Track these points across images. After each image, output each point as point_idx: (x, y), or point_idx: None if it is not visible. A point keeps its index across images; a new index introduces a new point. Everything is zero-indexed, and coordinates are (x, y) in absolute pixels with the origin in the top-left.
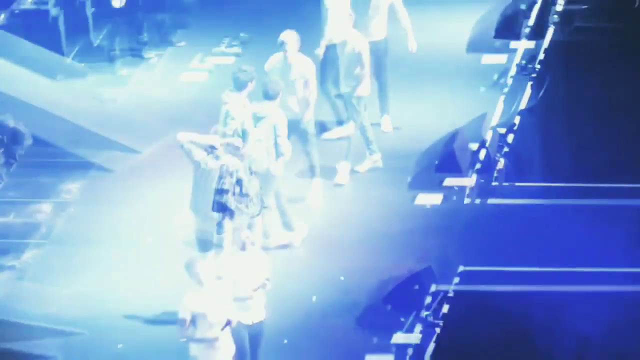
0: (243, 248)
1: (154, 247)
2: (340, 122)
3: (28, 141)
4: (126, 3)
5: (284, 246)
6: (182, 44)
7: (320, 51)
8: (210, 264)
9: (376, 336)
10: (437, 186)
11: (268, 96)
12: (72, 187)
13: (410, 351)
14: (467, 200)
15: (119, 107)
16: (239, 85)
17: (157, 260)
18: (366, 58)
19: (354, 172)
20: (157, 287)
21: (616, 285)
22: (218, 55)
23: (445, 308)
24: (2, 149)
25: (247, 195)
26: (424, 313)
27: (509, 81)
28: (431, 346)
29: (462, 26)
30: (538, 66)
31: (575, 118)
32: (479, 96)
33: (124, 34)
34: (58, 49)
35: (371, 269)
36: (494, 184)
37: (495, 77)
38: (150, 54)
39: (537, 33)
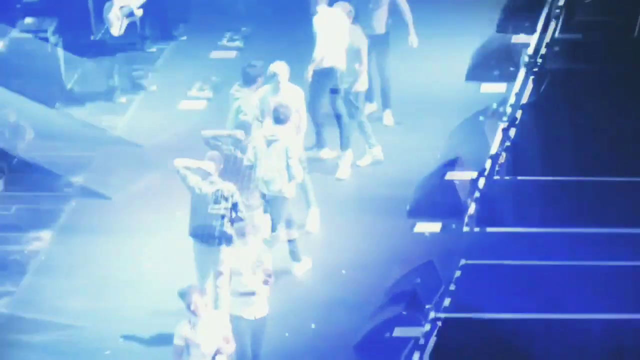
0: (245, 242)
1: (152, 273)
2: (320, 147)
3: (29, 135)
4: (125, 31)
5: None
6: (184, 38)
7: (308, 75)
8: (207, 291)
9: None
10: (435, 214)
11: (279, 121)
12: (71, 214)
13: None
14: (466, 229)
15: (117, 134)
16: (249, 80)
17: (156, 285)
18: (364, 54)
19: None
20: (156, 312)
21: (611, 314)
22: (220, 49)
23: (439, 335)
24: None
25: (242, 219)
26: (421, 340)
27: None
28: None
29: (461, 55)
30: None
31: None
32: (478, 125)
33: (122, 62)
34: (57, 77)
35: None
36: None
37: (495, 105)
38: (150, 83)
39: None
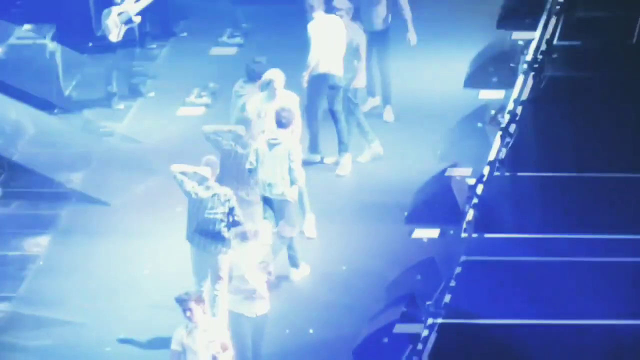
0: (245, 240)
1: (150, 279)
2: (314, 152)
3: (30, 131)
4: (123, 37)
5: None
6: (185, 34)
7: (304, 82)
8: (205, 297)
9: None
10: (434, 220)
11: (281, 125)
12: (69, 218)
13: None
14: (464, 234)
15: (116, 141)
16: (254, 76)
17: (155, 288)
18: (363, 50)
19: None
20: (155, 315)
21: (611, 320)
22: (221, 45)
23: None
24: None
25: (240, 223)
26: (419, 345)
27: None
28: None
29: (460, 61)
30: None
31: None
32: (476, 131)
33: (121, 68)
34: (56, 83)
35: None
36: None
37: (493, 112)
38: (148, 89)
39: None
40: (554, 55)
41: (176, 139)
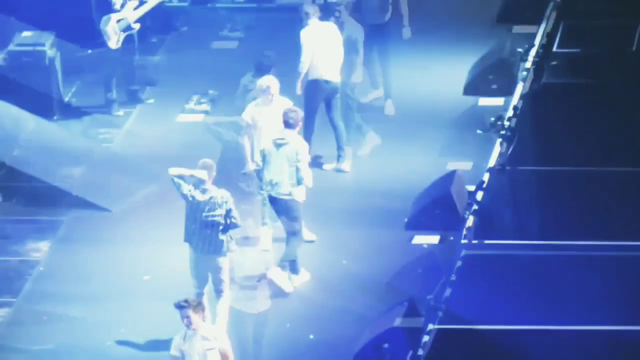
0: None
1: (150, 285)
2: None
3: (29, 137)
4: (122, 44)
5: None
6: (185, 28)
7: (297, 89)
8: (205, 300)
9: None
10: (434, 226)
11: (289, 125)
12: (69, 225)
13: None
14: (464, 241)
15: (115, 147)
16: (263, 70)
17: (155, 295)
18: (361, 46)
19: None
20: (155, 322)
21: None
22: (221, 39)
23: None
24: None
25: (238, 226)
26: (420, 351)
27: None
28: None
29: (460, 68)
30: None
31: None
32: (476, 138)
33: (120, 75)
34: (55, 90)
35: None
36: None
37: (493, 119)
38: (147, 96)
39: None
40: (554, 63)
41: (176, 146)
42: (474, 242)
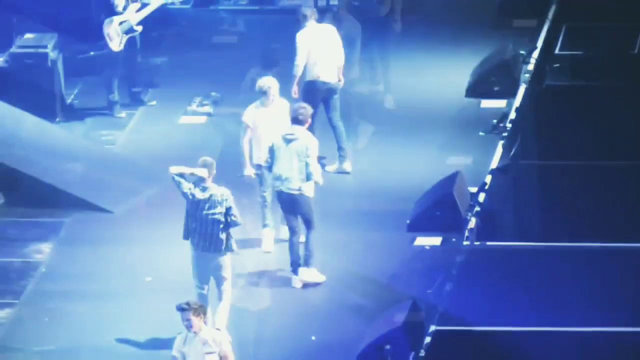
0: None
1: (152, 286)
2: None
3: (32, 139)
4: (125, 46)
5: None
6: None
7: (293, 92)
8: (207, 301)
9: None
10: (436, 228)
11: (297, 121)
12: (71, 227)
13: None
14: (466, 242)
15: (118, 149)
16: (271, 64)
17: (157, 296)
18: (358, 42)
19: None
20: (157, 323)
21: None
22: (221, 34)
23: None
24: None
25: (238, 223)
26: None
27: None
28: None
29: (462, 69)
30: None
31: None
32: (478, 139)
33: (123, 77)
34: (57, 92)
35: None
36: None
37: (495, 121)
38: (149, 98)
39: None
40: (556, 65)
41: (178, 148)
42: (476, 243)
